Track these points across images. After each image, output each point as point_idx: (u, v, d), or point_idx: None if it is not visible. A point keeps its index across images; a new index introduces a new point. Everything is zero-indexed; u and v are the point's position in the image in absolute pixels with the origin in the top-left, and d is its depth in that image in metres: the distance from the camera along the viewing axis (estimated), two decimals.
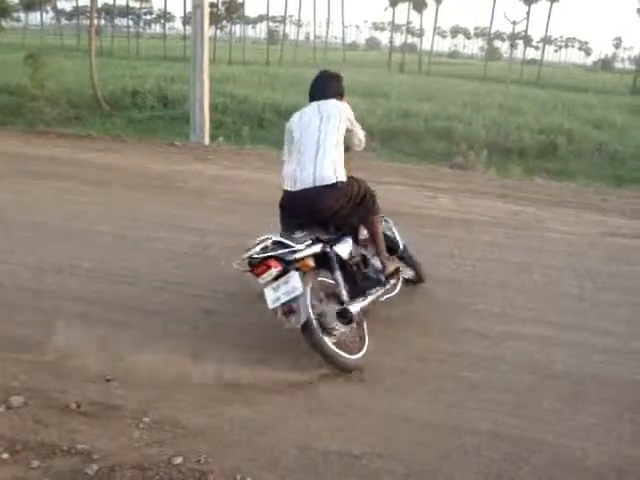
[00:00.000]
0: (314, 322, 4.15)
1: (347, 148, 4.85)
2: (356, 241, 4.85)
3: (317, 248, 4.36)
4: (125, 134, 14.61)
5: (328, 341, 4.20)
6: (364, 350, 4.44)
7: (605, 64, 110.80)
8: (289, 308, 4.13)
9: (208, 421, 3.76)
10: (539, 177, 12.98)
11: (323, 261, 4.43)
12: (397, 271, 4.96)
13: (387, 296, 4.93)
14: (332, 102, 4.73)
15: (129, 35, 69.02)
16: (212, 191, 9.28)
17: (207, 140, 13.82)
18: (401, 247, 5.29)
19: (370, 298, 4.63)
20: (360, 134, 4.95)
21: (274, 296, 4.15)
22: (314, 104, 4.78)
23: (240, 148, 13.62)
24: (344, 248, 4.59)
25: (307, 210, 4.48)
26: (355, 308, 4.35)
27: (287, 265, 4.14)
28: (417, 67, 59.41)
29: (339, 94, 4.91)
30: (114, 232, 7.11)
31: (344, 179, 4.50)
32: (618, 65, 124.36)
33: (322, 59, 58.64)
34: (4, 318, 4.89)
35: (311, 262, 4.26)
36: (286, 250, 4.14)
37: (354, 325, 4.39)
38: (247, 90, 23.22)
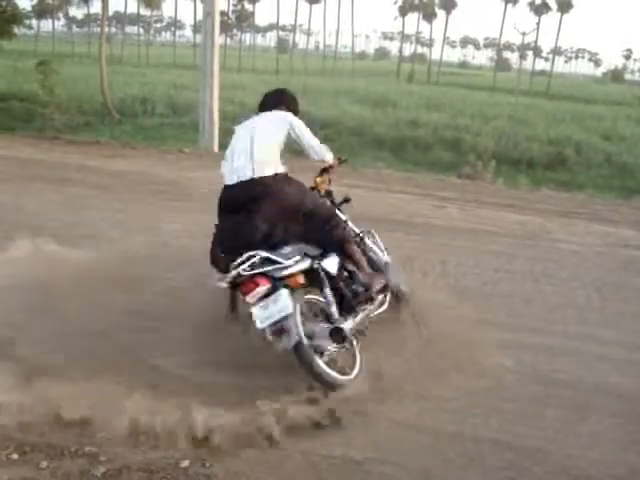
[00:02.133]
0: (305, 342, 4.00)
1: (325, 170, 5.00)
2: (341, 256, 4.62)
3: (306, 264, 4.24)
4: (134, 141, 14.71)
5: (320, 361, 4.05)
6: (356, 369, 4.27)
7: (615, 75, 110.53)
8: (279, 328, 4.00)
9: None
10: (547, 188, 12.98)
11: (311, 278, 4.29)
12: (385, 287, 4.73)
13: (376, 312, 4.73)
14: (276, 112, 4.68)
15: (139, 43, 69.34)
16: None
17: (216, 147, 13.89)
18: (382, 267, 4.99)
19: (361, 315, 4.46)
20: (312, 143, 4.67)
21: (263, 315, 4.00)
22: (260, 113, 4.76)
23: None
24: (332, 263, 4.45)
25: (247, 202, 4.27)
26: (348, 326, 4.21)
27: (276, 282, 4.03)
28: (426, 77, 59.52)
29: (283, 105, 4.80)
30: (121, 238, 7.15)
31: (281, 171, 4.40)
32: (628, 76, 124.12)
33: (331, 68, 58.77)
34: None
35: (301, 279, 4.17)
36: (275, 267, 4.04)
37: (347, 344, 4.24)
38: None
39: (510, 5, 62.42)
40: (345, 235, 4.58)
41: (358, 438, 3.75)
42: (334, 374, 4.10)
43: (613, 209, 10.88)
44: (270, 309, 3.99)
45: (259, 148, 4.37)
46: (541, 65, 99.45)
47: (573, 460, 3.68)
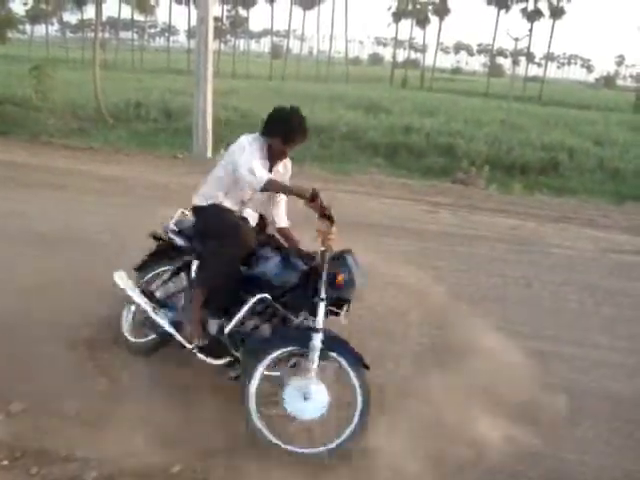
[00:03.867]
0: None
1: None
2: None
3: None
4: (128, 146, 14.68)
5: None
6: None
7: (607, 81, 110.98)
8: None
9: None
10: (540, 193, 13.03)
11: None
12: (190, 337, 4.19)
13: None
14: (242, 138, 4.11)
15: (133, 48, 69.32)
16: None
17: (210, 153, 13.88)
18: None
19: None
20: (245, 177, 3.92)
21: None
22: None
23: None
24: None
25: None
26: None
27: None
28: (419, 83, 59.63)
29: (267, 133, 4.16)
30: (113, 241, 7.11)
31: (199, 204, 4.32)
32: (620, 82, 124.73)
33: (325, 73, 58.88)
34: None
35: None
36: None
37: None
38: (250, 104, 23.29)
39: (503, 11, 62.62)
40: (203, 279, 4.20)
41: None
42: None
43: (605, 214, 10.93)
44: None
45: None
46: (534, 71, 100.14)
47: (567, 464, 3.69)
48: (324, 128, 18.56)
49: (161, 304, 4.49)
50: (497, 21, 61.54)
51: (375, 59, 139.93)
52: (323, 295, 3.68)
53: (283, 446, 3.61)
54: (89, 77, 22.55)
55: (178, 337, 4.17)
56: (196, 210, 4.37)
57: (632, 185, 15.35)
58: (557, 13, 62.31)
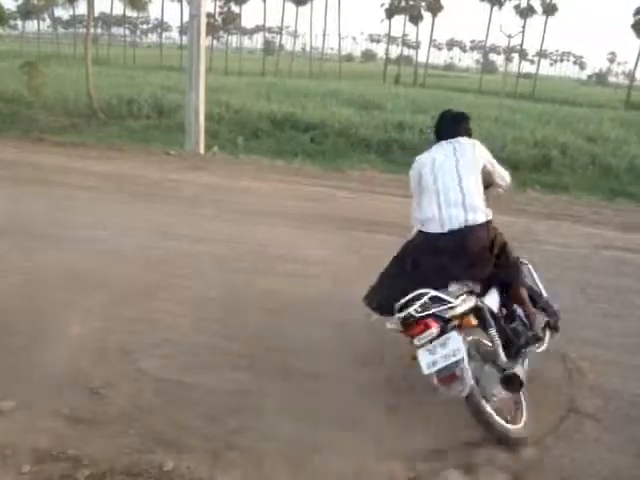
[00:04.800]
0: (476, 388, 3.67)
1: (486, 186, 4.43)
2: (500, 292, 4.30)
3: (472, 302, 3.90)
4: (120, 143, 14.63)
5: (489, 409, 3.72)
6: (524, 418, 3.92)
7: (600, 78, 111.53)
8: (450, 374, 3.61)
9: None
10: (533, 190, 13.04)
11: (477, 317, 3.95)
12: (547, 325, 4.48)
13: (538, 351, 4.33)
14: (467, 142, 4.37)
15: (126, 44, 69.15)
16: (206, 200, 9.28)
17: (202, 149, 13.85)
18: (543, 297, 4.62)
19: (528, 357, 4.08)
20: (502, 173, 4.55)
21: (430, 360, 3.66)
22: (445, 144, 4.39)
23: (235, 157, 13.66)
24: (493, 300, 4.14)
25: (457, 250, 4.02)
26: (521, 372, 3.77)
27: (445, 324, 3.71)
28: (413, 79, 59.68)
29: (468, 134, 4.51)
30: (109, 239, 7.11)
31: (491, 217, 4.22)
32: (612, 79, 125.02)
33: (318, 70, 58.80)
34: None
35: (473, 320, 3.85)
36: (445, 306, 3.72)
37: (523, 391, 3.89)
38: (243, 100, 23.27)
39: (496, 8, 62.79)
40: (519, 274, 4.40)
41: None
42: (506, 424, 3.78)
43: (597, 211, 10.95)
44: (438, 353, 3.65)
45: (472, 197, 4.13)
46: (527, 68, 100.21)
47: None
48: (317, 125, 18.55)
49: None
50: (490, 18, 61.73)
51: (368, 56, 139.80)
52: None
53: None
54: (81, 73, 22.50)
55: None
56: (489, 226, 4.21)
57: (624, 182, 15.42)
58: (550, 10, 62.48)
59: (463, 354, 3.58)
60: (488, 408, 3.70)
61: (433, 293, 3.73)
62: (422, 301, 3.69)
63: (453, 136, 4.39)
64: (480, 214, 4.10)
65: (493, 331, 3.90)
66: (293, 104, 22.33)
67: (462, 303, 3.80)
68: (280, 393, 4.16)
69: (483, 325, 3.92)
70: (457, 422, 3.86)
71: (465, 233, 4.03)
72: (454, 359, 3.58)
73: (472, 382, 3.60)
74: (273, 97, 25.66)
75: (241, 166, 12.61)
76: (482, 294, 4.10)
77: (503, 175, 4.56)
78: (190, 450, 3.56)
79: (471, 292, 3.99)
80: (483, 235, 4.09)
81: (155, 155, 13.18)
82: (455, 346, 3.60)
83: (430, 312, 3.66)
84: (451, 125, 4.50)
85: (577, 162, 17.13)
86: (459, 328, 3.74)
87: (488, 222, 4.15)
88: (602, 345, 5.31)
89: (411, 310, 3.66)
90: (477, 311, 3.91)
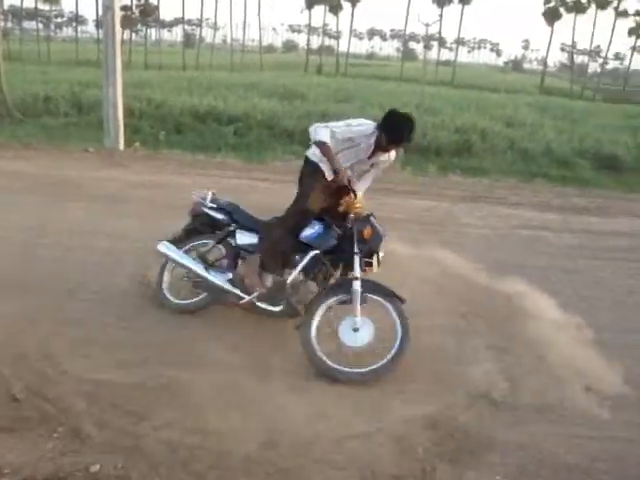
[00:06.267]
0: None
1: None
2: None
3: (218, 216, 5.41)
4: (37, 141, 14.17)
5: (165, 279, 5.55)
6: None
7: (515, 65, 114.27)
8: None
9: None
10: (454, 174, 13.32)
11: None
12: (242, 283, 5.11)
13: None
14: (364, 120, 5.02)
15: (39, 39, 66.83)
16: (123, 197, 9.09)
17: (122, 145, 13.57)
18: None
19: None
20: (310, 130, 5.01)
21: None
22: None
23: (156, 153, 13.45)
24: (243, 237, 5.28)
25: None
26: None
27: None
28: (334, 69, 59.87)
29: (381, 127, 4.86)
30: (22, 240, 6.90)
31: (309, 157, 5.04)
32: (527, 66, 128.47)
33: (239, 62, 58.34)
34: None
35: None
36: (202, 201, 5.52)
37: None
38: (164, 94, 22.85)
39: None
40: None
41: None
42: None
43: (516, 192, 11.29)
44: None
45: None
46: (446, 55, 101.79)
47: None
48: (240, 117, 18.40)
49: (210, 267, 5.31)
50: (408, 7, 62.35)
51: (289, 46, 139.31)
52: (356, 249, 4.74)
53: (340, 369, 4.46)
54: None
55: (236, 291, 5.06)
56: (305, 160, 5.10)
57: (540, 164, 15.83)
58: None
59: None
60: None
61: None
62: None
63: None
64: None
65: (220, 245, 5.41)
66: (215, 97, 22.01)
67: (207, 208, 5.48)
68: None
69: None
70: None
71: None
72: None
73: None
74: (195, 91, 25.25)
75: (163, 161, 12.44)
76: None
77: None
78: (117, 450, 3.51)
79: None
80: None
81: (73, 153, 12.82)
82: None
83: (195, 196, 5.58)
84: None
85: (496, 147, 17.49)
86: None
87: None
88: None
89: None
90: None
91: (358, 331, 4.60)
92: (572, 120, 24.09)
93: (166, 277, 5.55)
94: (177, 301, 5.42)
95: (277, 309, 4.99)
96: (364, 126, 4.85)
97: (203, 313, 5.31)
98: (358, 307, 4.62)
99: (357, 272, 4.70)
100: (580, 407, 4.27)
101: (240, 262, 5.27)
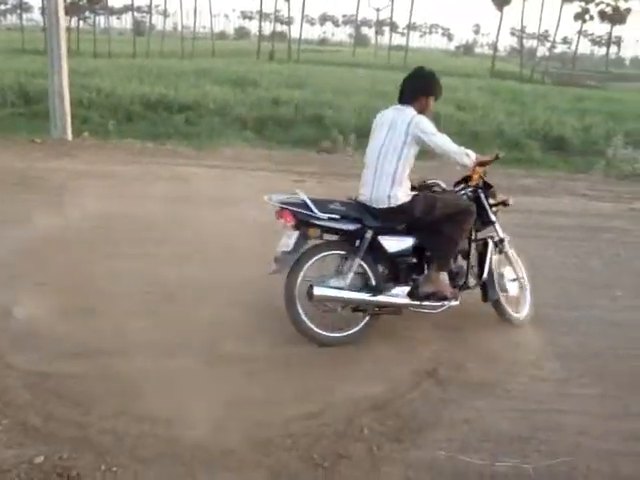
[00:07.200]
0: (296, 287, 4.51)
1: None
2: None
3: (349, 227, 4.58)
4: None
5: (301, 311, 4.55)
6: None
7: (467, 49, 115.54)
8: (278, 257, 4.53)
9: None
10: None
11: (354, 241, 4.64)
12: (434, 295, 4.80)
13: (421, 310, 4.90)
14: (407, 112, 4.64)
15: None
16: (68, 187, 8.89)
17: (70, 135, 13.35)
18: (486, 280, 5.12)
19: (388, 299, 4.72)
20: (444, 148, 4.71)
21: (281, 242, 4.57)
22: (393, 109, 4.79)
23: (105, 142, 13.26)
24: (393, 243, 4.70)
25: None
26: (347, 295, 4.60)
27: (300, 223, 4.51)
28: (287, 55, 59.61)
29: (424, 95, 4.73)
30: None
31: (400, 201, 4.57)
32: (478, 50, 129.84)
33: (190, 49, 57.65)
34: None
35: (315, 232, 4.58)
36: (304, 211, 4.47)
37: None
38: (114, 83, 22.48)
39: None
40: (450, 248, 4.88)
41: None
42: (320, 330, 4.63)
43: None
44: (283, 239, 4.57)
45: (381, 175, 4.64)
46: (398, 40, 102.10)
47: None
48: (191, 105, 18.24)
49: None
50: None
51: (241, 33, 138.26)
52: (493, 218, 5.15)
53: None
54: None
55: (425, 303, 4.75)
56: (406, 207, 4.60)
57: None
58: None
59: (289, 249, 4.47)
60: (301, 311, 4.54)
61: (303, 197, 4.53)
62: (288, 197, 4.58)
63: (404, 101, 4.71)
64: (384, 198, 4.58)
65: (358, 259, 4.61)
66: (166, 85, 21.76)
67: (330, 221, 4.52)
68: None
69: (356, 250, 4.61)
70: None
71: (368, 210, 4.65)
72: (283, 249, 4.50)
73: (286, 270, 4.52)
74: (145, 79, 24.91)
75: (111, 150, 12.29)
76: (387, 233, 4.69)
77: (445, 150, 4.71)
78: (62, 440, 3.48)
79: (360, 221, 4.60)
80: (386, 217, 4.62)
81: (19, 144, 12.53)
82: (289, 241, 4.50)
83: (284, 206, 4.48)
84: (406, 87, 4.79)
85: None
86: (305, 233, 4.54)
87: (394, 207, 4.58)
88: None
89: (273, 196, 4.57)
90: (358, 237, 4.60)
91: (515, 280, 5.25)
92: (522, 103, 24.48)
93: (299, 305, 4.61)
94: (334, 334, 4.70)
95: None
96: (424, 118, 4.67)
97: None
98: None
99: (501, 233, 5.24)
100: (524, 382, 4.38)
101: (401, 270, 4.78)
